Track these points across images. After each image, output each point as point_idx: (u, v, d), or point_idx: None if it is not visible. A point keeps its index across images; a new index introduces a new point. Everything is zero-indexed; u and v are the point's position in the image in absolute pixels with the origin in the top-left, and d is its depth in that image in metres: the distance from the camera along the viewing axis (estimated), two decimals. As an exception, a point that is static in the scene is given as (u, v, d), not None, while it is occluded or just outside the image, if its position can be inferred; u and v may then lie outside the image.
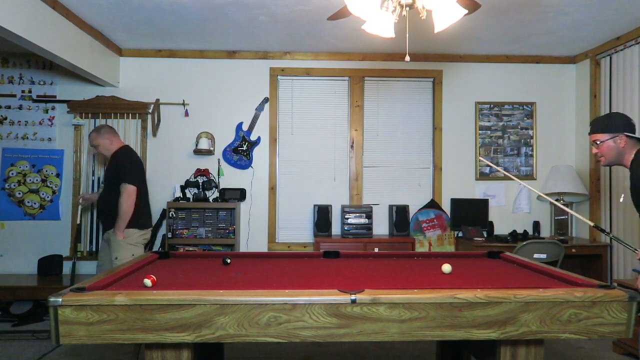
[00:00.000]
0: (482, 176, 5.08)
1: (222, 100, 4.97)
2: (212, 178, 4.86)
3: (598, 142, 2.37)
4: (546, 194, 4.93)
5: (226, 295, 1.80)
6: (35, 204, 4.84)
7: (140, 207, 3.60)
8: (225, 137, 4.94)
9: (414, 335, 1.81)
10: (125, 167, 3.61)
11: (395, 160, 5.08)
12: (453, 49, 4.84)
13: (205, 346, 2.27)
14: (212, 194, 4.88)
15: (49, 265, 4.68)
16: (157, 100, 4.88)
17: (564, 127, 5.13)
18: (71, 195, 4.82)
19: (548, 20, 4.00)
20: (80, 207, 4.32)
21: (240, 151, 4.93)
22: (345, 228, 4.68)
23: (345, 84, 5.07)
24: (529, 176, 5.09)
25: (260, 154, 4.97)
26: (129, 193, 3.50)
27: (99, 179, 4.84)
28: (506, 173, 3.32)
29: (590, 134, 2.45)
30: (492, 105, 5.10)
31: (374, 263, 2.72)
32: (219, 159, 4.94)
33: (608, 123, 2.37)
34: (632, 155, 2.33)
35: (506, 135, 5.11)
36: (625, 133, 2.31)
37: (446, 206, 5.01)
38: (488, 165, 3.98)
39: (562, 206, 2.92)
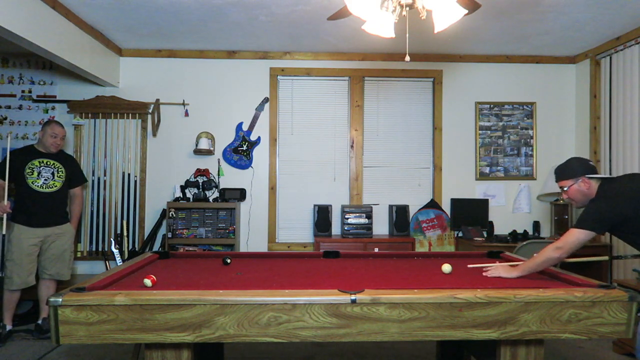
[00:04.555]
0: (482, 176, 5.08)
1: (222, 100, 4.97)
2: (212, 178, 4.86)
3: (565, 189, 2.45)
4: (546, 194, 4.94)
5: (226, 295, 1.80)
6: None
7: None
8: (225, 137, 4.94)
9: (414, 335, 1.81)
10: (80, 167, 4.21)
11: (395, 160, 5.08)
12: (453, 49, 4.84)
13: (205, 346, 2.27)
14: (212, 194, 4.88)
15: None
16: (157, 100, 4.88)
17: (564, 127, 5.13)
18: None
19: (548, 20, 4.00)
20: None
21: (240, 151, 4.93)
22: (345, 228, 4.68)
23: (345, 84, 5.07)
24: (529, 176, 5.09)
25: (260, 154, 4.97)
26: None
27: (98, 179, 4.84)
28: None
29: (556, 182, 2.54)
30: (492, 105, 5.10)
31: (374, 263, 2.72)
32: (219, 159, 4.94)
33: (567, 170, 2.45)
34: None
35: (506, 135, 5.11)
36: (586, 175, 2.38)
37: (446, 206, 5.01)
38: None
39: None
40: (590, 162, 2.46)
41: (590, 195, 2.37)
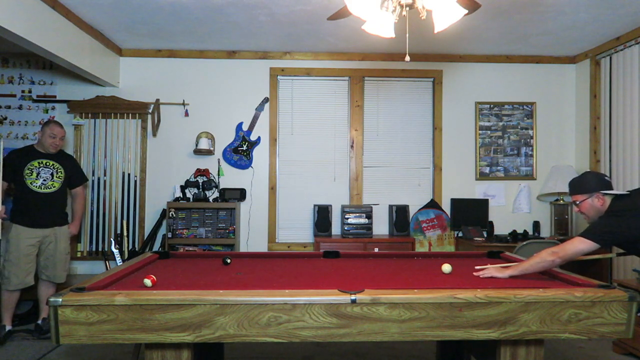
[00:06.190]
0: (482, 176, 5.08)
1: (222, 100, 4.97)
2: (212, 178, 4.86)
3: (577, 203, 2.41)
4: (546, 194, 4.94)
5: (226, 295, 1.80)
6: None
7: None
8: (225, 137, 4.94)
9: (414, 335, 1.81)
10: (80, 166, 4.19)
11: (395, 160, 5.08)
12: (453, 49, 4.84)
13: (205, 346, 2.27)
14: (212, 194, 4.88)
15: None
16: (157, 100, 4.88)
17: (564, 127, 5.13)
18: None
19: (548, 20, 4.00)
20: None
21: (240, 151, 4.93)
22: (345, 228, 4.68)
23: (345, 84, 5.07)
24: (529, 176, 5.09)
25: (260, 154, 4.97)
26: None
27: (98, 179, 4.84)
28: None
29: (569, 195, 2.51)
30: (492, 105, 5.10)
31: (374, 263, 2.72)
32: (219, 159, 4.94)
33: (582, 184, 2.41)
34: None
35: (506, 135, 5.11)
36: (601, 192, 2.34)
37: (446, 206, 5.01)
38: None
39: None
40: (606, 178, 2.41)
41: (602, 212, 2.33)
